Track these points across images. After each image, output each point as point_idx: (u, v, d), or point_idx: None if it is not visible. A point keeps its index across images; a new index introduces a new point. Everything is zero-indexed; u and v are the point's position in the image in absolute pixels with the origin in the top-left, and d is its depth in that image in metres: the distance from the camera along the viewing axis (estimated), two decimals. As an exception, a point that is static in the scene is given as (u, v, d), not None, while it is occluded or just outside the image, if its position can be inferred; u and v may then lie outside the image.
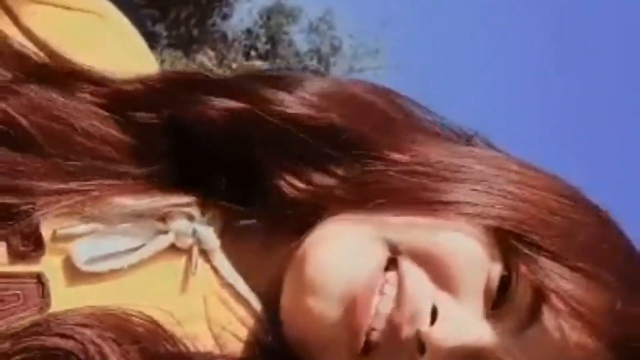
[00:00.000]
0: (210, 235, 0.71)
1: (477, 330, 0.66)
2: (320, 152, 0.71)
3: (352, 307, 0.65)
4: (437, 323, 0.64)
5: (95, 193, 0.68)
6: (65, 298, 0.65)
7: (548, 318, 0.65)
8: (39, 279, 0.65)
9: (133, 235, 0.68)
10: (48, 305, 0.64)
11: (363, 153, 0.71)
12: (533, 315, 0.66)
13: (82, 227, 0.67)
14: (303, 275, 0.67)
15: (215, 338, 0.68)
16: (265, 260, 0.72)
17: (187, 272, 0.69)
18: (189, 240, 0.70)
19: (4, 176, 0.66)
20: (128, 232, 0.68)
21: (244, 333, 0.69)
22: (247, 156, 0.72)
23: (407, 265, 0.66)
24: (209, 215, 0.72)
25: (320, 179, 0.71)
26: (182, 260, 0.70)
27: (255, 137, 0.72)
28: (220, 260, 0.71)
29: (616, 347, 0.66)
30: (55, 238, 0.66)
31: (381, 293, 0.66)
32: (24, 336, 0.61)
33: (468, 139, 0.75)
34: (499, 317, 0.67)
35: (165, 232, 0.69)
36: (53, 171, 0.68)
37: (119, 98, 0.73)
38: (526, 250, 0.66)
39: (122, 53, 0.80)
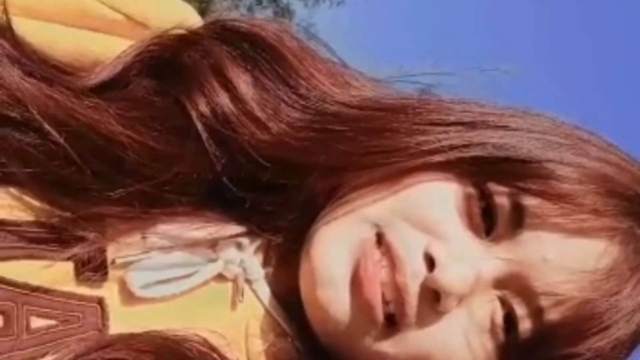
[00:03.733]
0: (255, 266, 0.74)
1: (479, 254, 0.69)
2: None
3: (358, 287, 0.68)
4: (436, 267, 0.67)
5: (155, 221, 0.70)
6: (122, 322, 0.68)
7: (532, 215, 0.68)
8: (100, 303, 0.68)
9: (185, 263, 0.71)
10: (107, 329, 0.68)
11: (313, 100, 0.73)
12: (518, 219, 0.69)
13: (140, 255, 0.70)
14: (310, 274, 0.71)
15: None
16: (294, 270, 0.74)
17: (234, 299, 0.73)
18: (236, 270, 0.73)
19: (71, 199, 0.68)
20: (181, 259, 0.71)
21: None
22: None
23: (391, 233, 0.69)
24: (257, 244, 0.74)
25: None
26: (229, 286, 0.73)
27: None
28: (263, 290, 0.74)
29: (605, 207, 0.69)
30: (114, 264, 0.69)
31: (383, 267, 0.69)
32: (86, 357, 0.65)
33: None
34: (494, 239, 0.70)
35: (215, 260, 0.72)
36: (115, 195, 0.69)
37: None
38: (493, 166, 0.70)
39: None
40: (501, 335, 0.70)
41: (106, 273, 0.68)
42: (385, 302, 0.69)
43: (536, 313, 0.68)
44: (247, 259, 0.73)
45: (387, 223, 0.70)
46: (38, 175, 0.68)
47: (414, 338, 0.69)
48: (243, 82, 0.73)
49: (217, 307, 0.72)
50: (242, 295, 0.73)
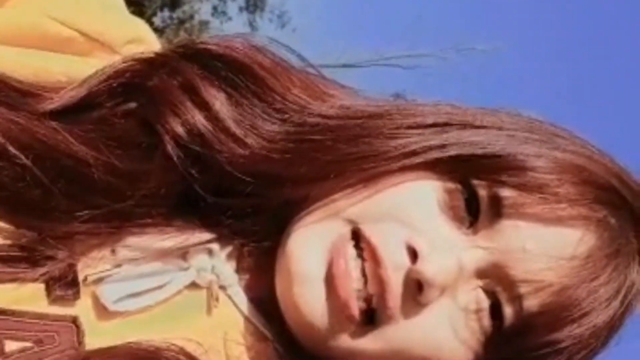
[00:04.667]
0: (228, 272, 0.74)
1: (460, 244, 0.70)
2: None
3: (332, 284, 0.69)
4: (419, 258, 0.68)
5: (124, 235, 0.71)
6: (98, 338, 0.69)
7: (510, 205, 0.70)
8: (75, 322, 0.68)
9: (157, 273, 0.72)
10: (83, 346, 0.68)
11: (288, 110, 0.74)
12: (497, 209, 0.70)
13: (111, 270, 0.70)
14: (285, 273, 0.71)
15: None
16: (269, 274, 0.75)
17: (209, 305, 0.73)
18: (209, 277, 0.73)
19: (39, 219, 0.69)
20: (152, 270, 0.71)
21: None
22: None
23: (369, 227, 0.70)
24: (228, 249, 0.75)
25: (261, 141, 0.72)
26: (203, 294, 0.73)
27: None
28: (238, 295, 0.75)
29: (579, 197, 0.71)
30: (86, 281, 0.69)
31: (365, 260, 0.70)
32: None
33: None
34: (475, 231, 0.71)
35: (187, 268, 0.73)
36: (83, 216, 0.69)
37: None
38: (470, 163, 0.71)
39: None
40: (486, 322, 0.71)
41: (78, 291, 0.69)
42: (368, 297, 0.69)
43: (516, 300, 0.70)
44: (219, 265, 0.73)
45: (365, 219, 0.70)
46: (4, 198, 0.68)
47: (397, 332, 0.70)
48: (217, 101, 0.73)
49: (192, 315, 0.73)
50: (217, 300, 0.73)
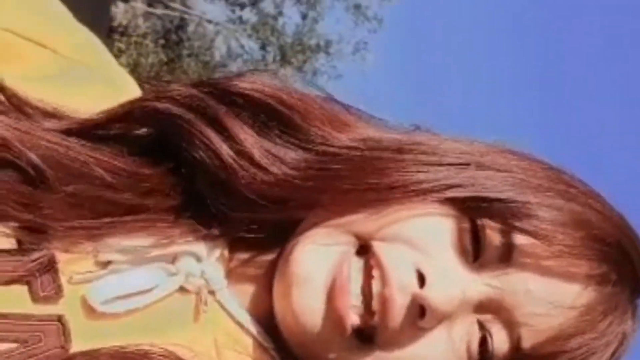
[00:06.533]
0: (217, 276, 0.74)
1: (466, 278, 0.71)
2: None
3: (331, 295, 0.70)
4: (427, 284, 0.69)
5: (108, 233, 0.71)
6: (85, 338, 0.68)
7: (520, 253, 0.71)
8: (60, 320, 0.68)
9: (145, 277, 0.71)
10: (69, 345, 0.67)
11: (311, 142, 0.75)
12: (507, 254, 0.72)
13: (98, 272, 0.70)
14: (287, 279, 0.71)
15: None
16: (266, 287, 0.75)
17: (198, 310, 0.73)
18: (198, 282, 0.73)
19: (23, 212, 0.69)
20: (139, 273, 0.71)
21: None
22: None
23: (380, 246, 0.71)
24: (216, 254, 0.75)
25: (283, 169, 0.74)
26: (192, 298, 0.73)
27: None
28: (228, 299, 0.74)
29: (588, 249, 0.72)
30: (71, 280, 0.69)
31: (372, 278, 0.70)
32: None
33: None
34: (481, 266, 0.72)
35: (175, 273, 0.73)
36: (68, 208, 0.70)
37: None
38: (483, 204, 0.73)
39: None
40: (475, 355, 0.72)
41: (61, 290, 0.68)
42: (366, 315, 0.70)
43: (514, 340, 0.72)
44: (208, 269, 0.73)
45: (376, 237, 0.71)
46: None
47: (392, 353, 0.71)
48: (243, 133, 0.74)
49: (181, 319, 0.72)
50: (206, 305, 0.73)
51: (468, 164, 0.75)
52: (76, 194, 0.70)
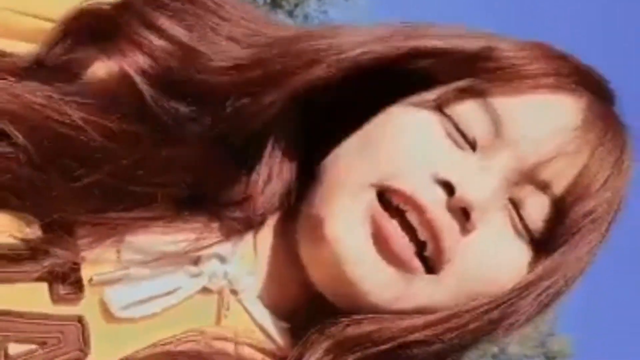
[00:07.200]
0: (241, 276, 0.72)
1: (480, 165, 0.70)
2: None
3: (385, 245, 0.68)
4: (456, 186, 0.68)
5: (129, 230, 0.68)
6: (104, 341, 0.66)
7: (492, 91, 0.72)
8: (80, 321, 0.66)
9: (167, 278, 0.69)
10: (88, 347, 0.65)
11: None
12: (494, 122, 0.71)
13: (118, 273, 0.68)
14: (331, 258, 0.69)
15: None
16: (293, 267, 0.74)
17: (220, 311, 0.71)
18: (221, 282, 0.71)
19: (40, 207, 0.66)
20: (161, 275, 0.69)
21: None
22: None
23: (394, 182, 0.69)
24: (241, 251, 0.73)
25: None
26: (214, 299, 0.71)
27: None
28: (251, 299, 0.73)
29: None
30: (91, 281, 0.67)
31: (406, 211, 0.69)
32: None
33: None
34: (484, 148, 0.71)
35: (198, 274, 0.71)
36: (86, 200, 0.67)
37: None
38: (440, 74, 0.73)
39: None
40: (523, 232, 0.71)
41: (82, 290, 0.66)
42: (419, 247, 0.69)
43: (549, 195, 0.71)
44: (231, 270, 0.72)
45: (385, 177, 0.70)
46: (2, 184, 0.66)
47: (459, 267, 0.69)
48: (174, 26, 0.73)
49: (202, 321, 0.70)
50: (228, 308, 0.71)
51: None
52: (87, 183, 0.67)
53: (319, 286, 0.72)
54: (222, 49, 0.72)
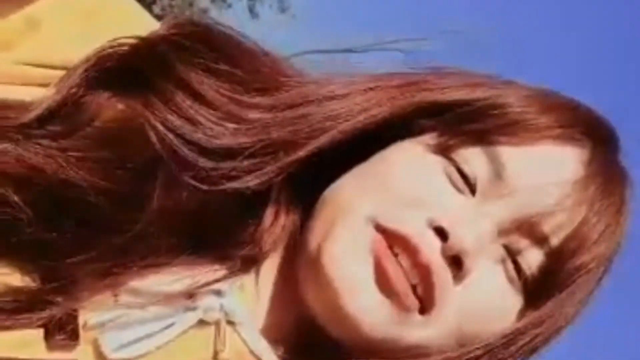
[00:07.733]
0: (237, 308, 0.71)
1: (477, 211, 0.71)
2: None
3: (385, 280, 0.69)
4: (449, 233, 0.69)
5: (128, 276, 0.68)
6: None
7: (499, 141, 0.73)
8: None
9: (161, 316, 0.68)
10: None
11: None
12: (496, 169, 0.72)
13: (112, 314, 0.67)
14: (332, 293, 0.70)
15: None
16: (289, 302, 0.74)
17: (216, 343, 0.70)
18: (217, 315, 0.70)
19: (37, 262, 0.66)
20: (156, 314, 0.68)
21: None
22: None
23: (390, 220, 0.70)
24: (237, 284, 0.72)
25: None
26: (211, 331, 0.70)
27: None
28: (249, 331, 0.72)
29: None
30: (86, 326, 0.66)
31: (397, 254, 0.69)
32: None
33: None
34: (484, 194, 0.72)
35: (193, 309, 0.70)
36: (89, 252, 0.66)
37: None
38: (447, 123, 0.74)
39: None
40: (513, 274, 0.72)
41: (77, 336, 0.65)
42: (413, 286, 0.69)
43: (545, 247, 0.71)
44: (227, 302, 0.71)
45: (381, 212, 0.70)
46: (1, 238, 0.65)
47: (450, 311, 0.70)
48: (205, 84, 0.70)
49: (199, 354, 0.70)
50: (225, 340, 0.70)
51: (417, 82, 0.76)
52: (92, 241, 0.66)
53: (319, 319, 0.72)
54: (247, 101, 0.71)
